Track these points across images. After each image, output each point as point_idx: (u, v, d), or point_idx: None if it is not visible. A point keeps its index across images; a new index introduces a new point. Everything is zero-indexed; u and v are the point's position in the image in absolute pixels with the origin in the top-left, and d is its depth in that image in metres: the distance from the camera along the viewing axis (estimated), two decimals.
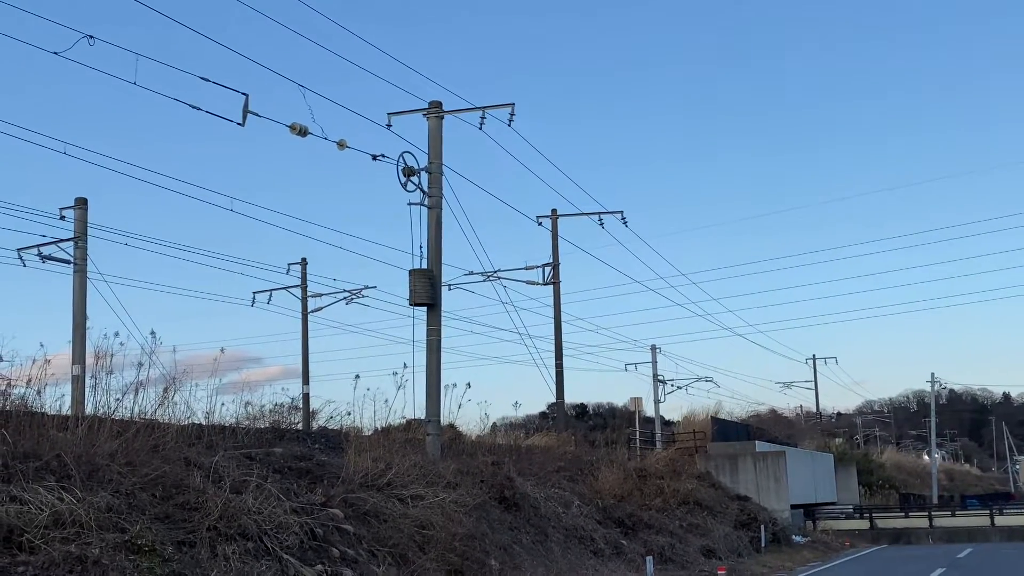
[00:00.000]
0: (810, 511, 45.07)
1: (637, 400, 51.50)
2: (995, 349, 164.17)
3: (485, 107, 24.75)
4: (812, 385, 74.68)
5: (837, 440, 73.14)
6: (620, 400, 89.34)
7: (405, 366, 21.32)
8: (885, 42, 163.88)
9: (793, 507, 40.56)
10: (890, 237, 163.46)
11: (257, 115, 19.03)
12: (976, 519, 44.91)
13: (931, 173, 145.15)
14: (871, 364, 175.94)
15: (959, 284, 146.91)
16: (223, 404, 17.85)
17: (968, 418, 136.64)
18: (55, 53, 16.76)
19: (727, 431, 45.34)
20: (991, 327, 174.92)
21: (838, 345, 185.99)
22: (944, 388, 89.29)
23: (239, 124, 18.75)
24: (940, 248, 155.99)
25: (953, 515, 46.48)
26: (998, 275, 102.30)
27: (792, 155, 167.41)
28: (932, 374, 73.99)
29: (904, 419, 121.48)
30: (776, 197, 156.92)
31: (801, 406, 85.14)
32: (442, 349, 23.05)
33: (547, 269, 35.99)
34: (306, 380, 42.35)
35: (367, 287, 41.71)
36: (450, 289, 32.12)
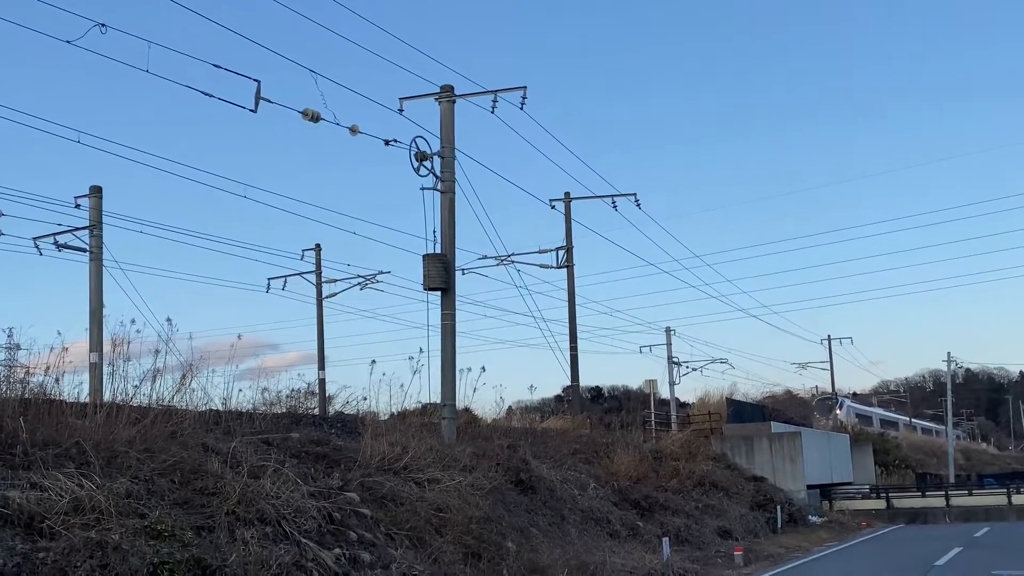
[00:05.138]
0: (826, 491, 45.04)
1: (652, 382, 51.48)
2: (1012, 328, 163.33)
3: (497, 91, 24.72)
4: (828, 366, 74.51)
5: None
6: (635, 383, 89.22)
7: (421, 351, 21.38)
8: (899, 14, 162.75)
9: (809, 487, 40.55)
10: (905, 216, 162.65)
11: (269, 101, 19.09)
12: (993, 498, 44.74)
13: (946, 152, 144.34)
14: (887, 344, 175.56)
15: (975, 263, 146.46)
16: (240, 390, 17.90)
17: (985, 397, 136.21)
18: (68, 42, 16.83)
19: (742, 412, 45.28)
20: (1007, 306, 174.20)
21: (853, 325, 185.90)
22: (960, 367, 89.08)
23: (252, 111, 18.80)
24: (956, 227, 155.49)
25: (970, 494, 46.30)
26: (1014, 253, 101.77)
27: (805, 134, 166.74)
28: (948, 353, 73.89)
29: (920, 399, 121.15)
30: (790, 177, 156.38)
31: (817, 387, 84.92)
32: (457, 333, 23.12)
33: (561, 252, 35.96)
34: (322, 366, 42.50)
35: (381, 272, 41.70)
36: (464, 273, 32.19)
